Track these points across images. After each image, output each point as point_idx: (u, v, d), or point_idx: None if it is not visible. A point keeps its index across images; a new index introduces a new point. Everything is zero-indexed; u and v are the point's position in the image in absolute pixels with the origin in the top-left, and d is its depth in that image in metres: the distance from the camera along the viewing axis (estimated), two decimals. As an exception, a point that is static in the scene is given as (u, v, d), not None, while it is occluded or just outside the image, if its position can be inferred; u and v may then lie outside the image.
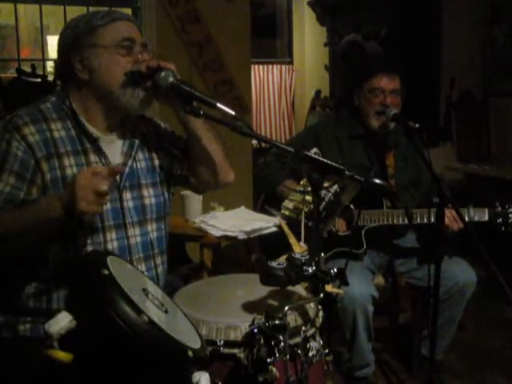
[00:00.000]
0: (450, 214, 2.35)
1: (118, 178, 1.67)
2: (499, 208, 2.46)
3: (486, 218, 2.46)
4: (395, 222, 2.50)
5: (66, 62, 1.63)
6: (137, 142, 1.74)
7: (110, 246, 1.62)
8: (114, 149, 1.69)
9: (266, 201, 2.71)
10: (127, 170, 1.70)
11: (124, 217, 1.66)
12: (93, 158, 1.63)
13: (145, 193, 1.73)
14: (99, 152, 1.64)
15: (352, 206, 2.51)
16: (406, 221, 2.49)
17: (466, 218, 2.40)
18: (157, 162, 1.79)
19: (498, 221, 2.44)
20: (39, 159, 1.56)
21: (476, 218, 2.45)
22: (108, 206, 1.62)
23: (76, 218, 1.41)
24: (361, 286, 2.39)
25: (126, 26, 1.65)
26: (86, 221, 1.57)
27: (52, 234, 1.49)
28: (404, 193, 2.64)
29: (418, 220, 2.47)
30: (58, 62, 1.68)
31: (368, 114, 2.60)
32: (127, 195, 1.69)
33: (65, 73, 1.66)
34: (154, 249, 1.73)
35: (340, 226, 2.52)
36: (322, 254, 1.48)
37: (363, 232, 2.52)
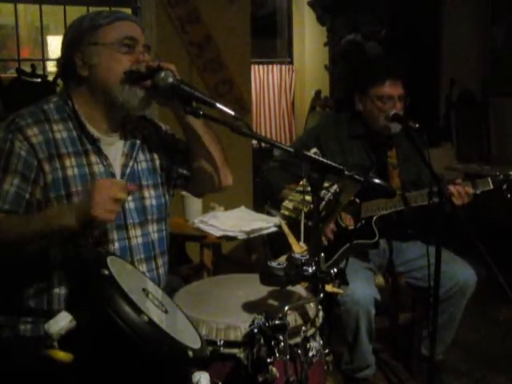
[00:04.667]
0: (454, 190, 2.36)
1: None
2: (501, 176, 2.47)
3: (491, 186, 2.46)
4: (402, 207, 2.51)
5: (67, 58, 1.64)
6: (138, 143, 1.74)
7: (111, 247, 1.62)
8: (115, 150, 1.69)
9: (271, 206, 2.71)
10: (128, 170, 1.70)
11: (125, 218, 1.66)
12: (94, 159, 1.64)
13: (146, 194, 1.73)
14: (100, 153, 1.64)
15: (357, 200, 2.51)
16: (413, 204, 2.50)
17: (471, 191, 2.43)
18: (158, 164, 1.79)
19: (504, 187, 2.46)
20: (41, 160, 1.56)
21: (481, 189, 2.46)
22: None
23: (88, 225, 1.44)
24: (364, 289, 2.40)
25: (130, 25, 1.65)
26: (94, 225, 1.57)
27: (61, 240, 1.51)
28: (409, 190, 2.64)
29: (417, 203, 2.48)
30: (60, 59, 1.69)
31: (376, 119, 2.60)
32: (128, 196, 1.69)
33: (66, 70, 1.66)
34: (155, 250, 1.73)
35: (347, 220, 2.52)
36: (321, 254, 1.48)
37: (373, 221, 2.53)
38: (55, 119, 1.62)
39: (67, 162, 1.59)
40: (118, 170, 1.68)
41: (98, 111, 1.66)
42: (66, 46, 1.66)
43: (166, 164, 1.80)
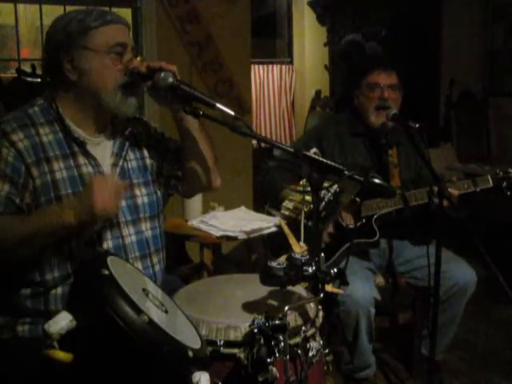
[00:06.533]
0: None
1: None
2: (501, 173, 2.48)
3: (491, 184, 2.48)
4: (402, 205, 2.52)
5: (54, 60, 1.61)
6: (127, 142, 1.74)
7: (105, 246, 1.62)
8: (103, 150, 1.69)
9: (271, 206, 2.71)
10: (118, 170, 1.70)
11: (117, 216, 1.65)
12: (81, 160, 1.63)
13: (137, 192, 1.73)
14: (87, 154, 1.64)
15: (357, 199, 2.51)
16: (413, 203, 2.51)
17: (472, 188, 2.47)
18: (148, 161, 1.79)
19: (504, 185, 2.47)
20: (29, 165, 1.55)
21: (481, 187, 2.48)
22: None
23: (86, 224, 1.44)
24: (364, 289, 2.39)
25: (119, 30, 1.63)
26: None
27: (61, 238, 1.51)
28: (409, 188, 2.64)
29: (417, 201, 2.50)
30: (45, 60, 1.66)
31: (367, 110, 2.61)
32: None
33: (52, 71, 1.64)
34: (149, 247, 1.73)
35: (348, 219, 2.52)
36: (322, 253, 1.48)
37: (374, 220, 2.53)
38: (41, 122, 1.61)
39: (55, 166, 1.58)
40: (107, 170, 1.68)
41: (86, 114, 1.65)
42: (52, 47, 1.62)
43: (156, 162, 1.81)
